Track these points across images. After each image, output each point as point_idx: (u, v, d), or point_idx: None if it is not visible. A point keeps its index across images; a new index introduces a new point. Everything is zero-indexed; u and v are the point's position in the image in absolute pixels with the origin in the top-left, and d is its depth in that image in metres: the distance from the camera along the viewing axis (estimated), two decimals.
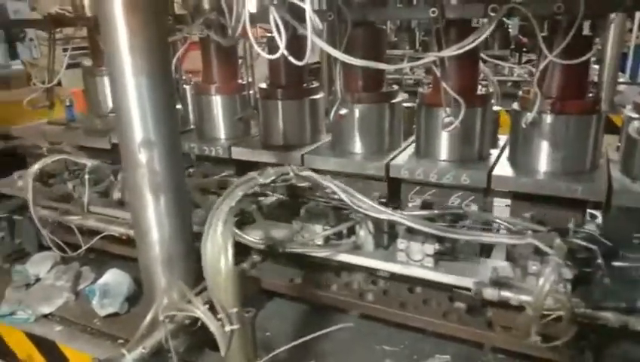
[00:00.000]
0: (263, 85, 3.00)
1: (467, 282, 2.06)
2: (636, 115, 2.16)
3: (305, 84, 2.98)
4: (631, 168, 2.18)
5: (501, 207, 2.60)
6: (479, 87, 2.51)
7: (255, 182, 1.99)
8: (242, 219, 2.53)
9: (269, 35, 2.16)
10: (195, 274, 2.11)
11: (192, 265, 2.16)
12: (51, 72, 3.51)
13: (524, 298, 1.90)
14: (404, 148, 2.72)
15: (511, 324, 2.05)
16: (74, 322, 2.44)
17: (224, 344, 1.78)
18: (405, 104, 2.80)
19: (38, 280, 2.74)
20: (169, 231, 2.10)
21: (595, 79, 2.78)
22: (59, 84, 3.99)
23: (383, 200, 2.42)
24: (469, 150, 2.45)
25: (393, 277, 2.33)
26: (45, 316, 2.48)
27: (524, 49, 7.61)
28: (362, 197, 2.08)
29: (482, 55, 2.67)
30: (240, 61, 3.13)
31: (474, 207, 2.34)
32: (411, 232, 2.16)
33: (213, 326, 1.79)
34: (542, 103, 2.13)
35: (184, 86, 3.49)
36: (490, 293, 1.97)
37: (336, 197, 2.20)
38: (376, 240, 2.32)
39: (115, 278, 2.50)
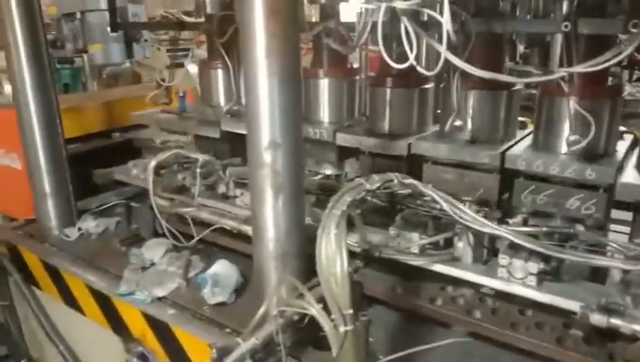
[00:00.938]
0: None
1: (573, 305, 1.97)
2: None
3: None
4: None
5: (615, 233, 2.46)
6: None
7: (362, 188, 2.03)
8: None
9: None
10: (305, 272, 2.18)
11: (304, 263, 2.23)
12: (172, 72, 3.79)
13: (638, 327, 1.78)
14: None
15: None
16: (185, 307, 2.56)
17: (337, 344, 1.81)
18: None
19: (152, 264, 2.91)
20: (284, 229, 2.18)
21: None
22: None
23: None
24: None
25: (498, 295, 2.26)
26: (159, 299, 2.63)
27: (636, 67, 7.18)
28: (464, 208, 2.05)
29: None
30: None
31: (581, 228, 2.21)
32: (514, 248, 2.09)
33: (327, 325, 1.83)
34: None
35: None
36: (597, 319, 1.86)
37: (437, 206, 2.19)
38: (474, 254, 2.26)
39: (224, 269, 2.61)
